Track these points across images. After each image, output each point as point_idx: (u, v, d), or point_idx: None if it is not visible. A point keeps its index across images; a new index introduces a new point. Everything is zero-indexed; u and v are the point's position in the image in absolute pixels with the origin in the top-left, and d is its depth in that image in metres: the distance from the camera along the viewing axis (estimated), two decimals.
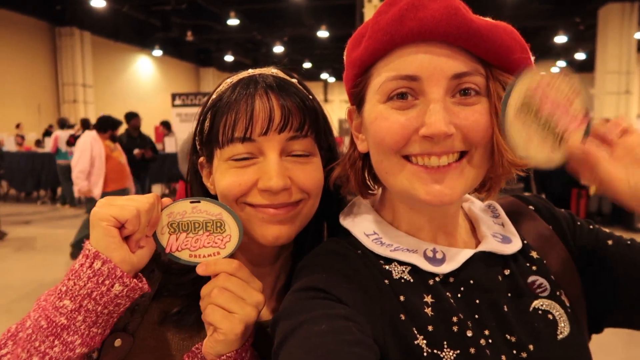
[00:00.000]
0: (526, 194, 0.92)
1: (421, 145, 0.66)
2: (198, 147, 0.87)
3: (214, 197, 0.85)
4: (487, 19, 0.69)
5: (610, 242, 0.82)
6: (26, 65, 15.26)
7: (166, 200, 0.77)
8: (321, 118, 0.85)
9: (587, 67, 21.87)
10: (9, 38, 14.51)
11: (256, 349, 0.80)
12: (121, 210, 0.70)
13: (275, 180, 0.75)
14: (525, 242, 0.80)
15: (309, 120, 0.80)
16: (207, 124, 0.83)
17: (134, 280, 0.71)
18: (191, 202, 0.77)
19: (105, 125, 6.03)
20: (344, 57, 0.77)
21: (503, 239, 0.78)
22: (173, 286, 0.84)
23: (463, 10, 0.65)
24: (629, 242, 0.81)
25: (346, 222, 0.80)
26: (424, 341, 0.66)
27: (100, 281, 0.68)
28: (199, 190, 0.90)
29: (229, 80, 0.84)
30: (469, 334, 0.67)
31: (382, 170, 0.72)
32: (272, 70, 0.85)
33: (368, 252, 0.75)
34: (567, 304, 0.76)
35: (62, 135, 10.40)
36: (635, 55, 13.54)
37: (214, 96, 0.84)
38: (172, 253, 0.77)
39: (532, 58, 0.71)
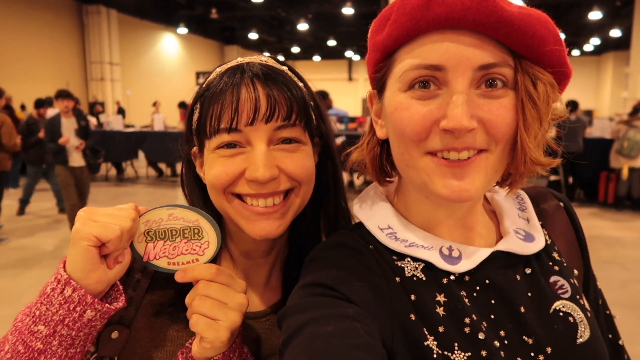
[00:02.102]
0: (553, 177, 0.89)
1: (442, 139, 0.63)
2: (190, 136, 0.87)
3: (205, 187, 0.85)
4: (521, 4, 0.65)
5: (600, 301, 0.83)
6: (55, 43, 15.51)
7: (142, 208, 0.77)
8: (311, 106, 0.83)
9: (622, 45, 21.04)
10: (38, 16, 14.73)
11: (245, 341, 0.81)
12: (104, 230, 0.68)
13: (262, 171, 0.74)
14: (548, 241, 0.78)
15: (297, 109, 0.78)
16: (196, 114, 0.82)
17: (106, 305, 0.71)
18: (167, 210, 0.76)
19: None
20: (367, 40, 0.73)
21: (526, 237, 0.75)
22: (164, 280, 0.84)
23: None
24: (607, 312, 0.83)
25: (360, 214, 0.78)
26: (435, 342, 0.64)
27: (71, 308, 0.68)
28: (192, 180, 0.90)
29: (218, 69, 0.83)
30: (481, 336, 0.65)
31: (402, 161, 0.69)
32: (261, 58, 0.84)
33: (381, 247, 0.73)
34: (588, 308, 0.74)
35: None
36: None
37: (203, 85, 0.83)
38: (150, 261, 0.77)
39: (566, 50, 0.66)
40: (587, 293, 0.80)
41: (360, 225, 0.78)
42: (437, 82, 0.63)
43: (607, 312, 0.82)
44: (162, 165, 11.99)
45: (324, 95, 6.85)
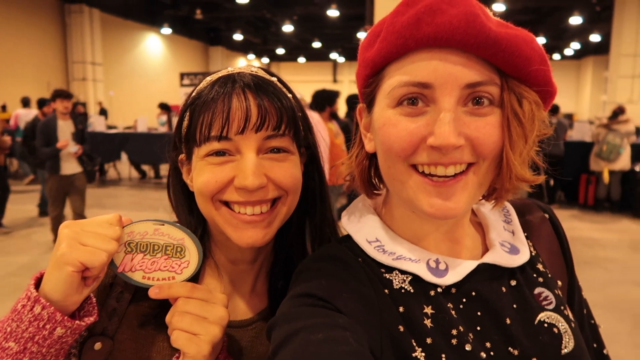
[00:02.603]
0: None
1: (429, 154, 0.64)
2: (178, 144, 0.87)
3: (192, 195, 0.86)
4: (503, 8, 0.65)
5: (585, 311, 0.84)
6: (36, 43, 15.25)
7: (126, 219, 0.76)
8: (300, 117, 0.85)
9: (602, 50, 21.46)
10: (19, 15, 14.47)
11: (230, 352, 0.81)
12: (90, 257, 0.68)
13: (251, 180, 0.75)
14: (533, 253, 0.79)
15: (286, 119, 0.80)
16: (185, 121, 0.83)
17: (76, 322, 0.71)
18: (154, 224, 0.76)
19: (322, 102, 4.48)
20: (358, 55, 0.74)
21: (511, 249, 0.76)
22: (146, 291, 0.83)
23: (482, 18, 0.62)
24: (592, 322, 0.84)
25: (349, 226, 0.80)
26: (423, 354, 0.65)
27: (41, 325, 0.68)
28: (178, 186, 0.90)
29: (209, 79, 0.84)
30: (468, 347, 0.66)
31: (389, 176, 0.70)
32: (251, 69, 0.85)
33: (369, 260, 0.74)
34: (572, 319, 0.75)
35: (23, 113, 10.41)
36: None
37: (193, 94, 0.83)
38: (125, 272, 0.76)
39: (550, 69, 0.68)
40: (571, 303, 0.81)
41: (349, 237, 0.78)
42: (425, 99, 0.64)
43: (592, 321, 0.84)
44: (146, 167, 11.87)
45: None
